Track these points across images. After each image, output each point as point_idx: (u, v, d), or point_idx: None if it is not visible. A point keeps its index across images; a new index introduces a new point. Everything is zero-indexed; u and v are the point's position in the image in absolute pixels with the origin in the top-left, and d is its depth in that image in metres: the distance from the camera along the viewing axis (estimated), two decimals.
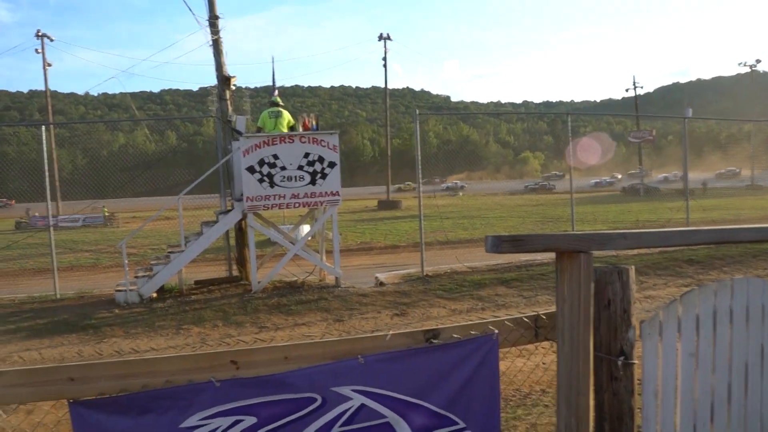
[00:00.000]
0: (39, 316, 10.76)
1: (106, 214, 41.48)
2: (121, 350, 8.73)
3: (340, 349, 2.70)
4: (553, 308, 2.79)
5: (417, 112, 12.98)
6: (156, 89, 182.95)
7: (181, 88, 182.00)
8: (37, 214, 40.71)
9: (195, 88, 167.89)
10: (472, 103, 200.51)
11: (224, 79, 12.87)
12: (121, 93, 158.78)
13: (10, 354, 8.78)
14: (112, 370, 2.64)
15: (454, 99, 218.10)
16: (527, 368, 5.90)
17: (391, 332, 2.69)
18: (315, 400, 2.60)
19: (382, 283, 12.07)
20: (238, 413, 2.57)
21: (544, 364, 6.18)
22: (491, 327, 2.76)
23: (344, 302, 10.69)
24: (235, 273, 12.82)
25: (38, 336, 9.68)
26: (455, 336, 2.73)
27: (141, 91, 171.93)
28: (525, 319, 2.89)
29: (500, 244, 2.43)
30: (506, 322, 2.85)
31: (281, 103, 12.92)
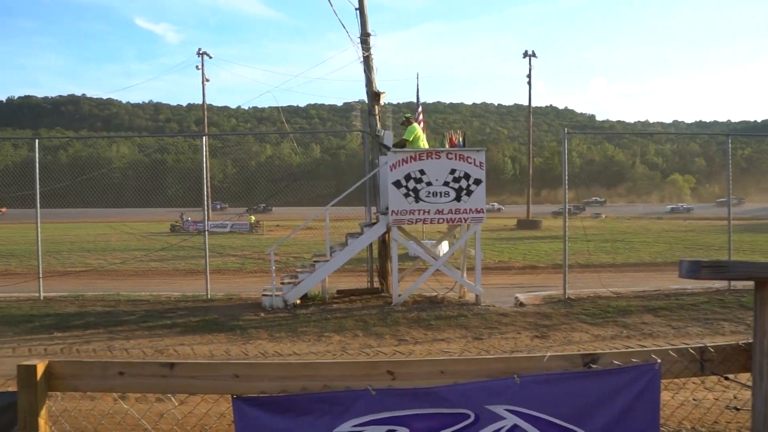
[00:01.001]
0: (192, 314, 11.41)
1: (252, 221, 43.38)
2: (266, 352, 9.05)
3: (495, 367, 2.66)
4: (711, 341, 2.61)
5: (566, 131, 12.67)
6: (302, 104, 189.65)
7: (326, 103, 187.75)
8: (189, 218, 43.22)
9: (339, 104, 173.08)
10: (618, 122, 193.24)
11: (374, 95, 13.13)
12: (269, 107, 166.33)
13: (167, 347, 9.34)
14: (274, 370, 2.73)
15: (599, 118, 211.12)
16: (675, 402, 5.55)
17: (548, 354, 2.61)
18: (468, 416, 2.57)
19: (522, 304, 11.85)
20: (392, 423, 2.58)
21: (694, 399, 5.82)
22: (654, 356, 2.62)
23: (484, 320, 10.57)
24: (376, 285, 12.99)
25: (191, 332, 10.25)
26: (615, 362, 2.61)
27: (288, 105, 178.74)
28: (691, 351, 2.72)
29: (699, 269, 2.30)
30: (670, 351, 2.70)
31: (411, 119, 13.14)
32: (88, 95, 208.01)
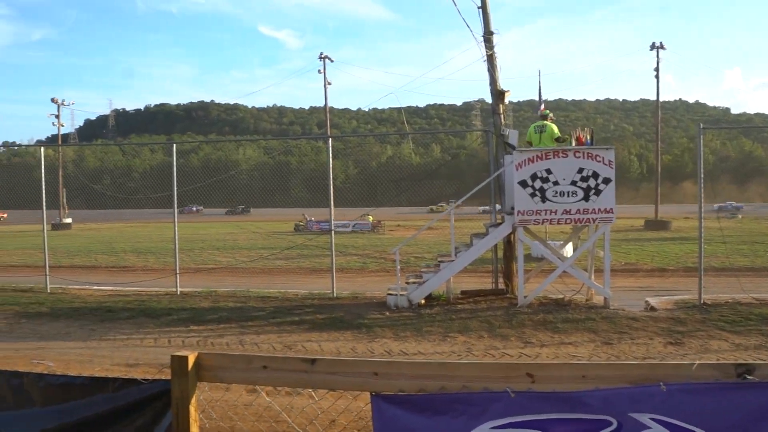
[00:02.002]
0: (318, 312, 11.70)
1: (370, 220, 43.73)
2: (391, 351, 9.14)
3: (638, 373, 2.55)
4: None
5: (701, 126, 12.02)
6: (422, 104, 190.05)
7: (446, 103, 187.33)
8: (312, 218, 44.24)
9: (459, 103, 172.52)
10: (757, 114, 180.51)
11: (498, 94, 12.98)
12: (389, 108, 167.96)
13: (295, 343, 9.63)
14: (413, 369, 2.74)
15: (734, 111, 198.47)
16: None
17: (697, 362, 2.48)
18: (610, 423, 2.48)
19: (653, 308, 11.36)
20: (530, 427, 2.53)
21: None
22: None
23: (613, 324, 10.20)
24: (501, 286, 12.83)
25: (318, 329, 10.52)
26: None
27: (407, 106, 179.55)
28: None
29: None
30: None
31: (549, 116, 12.79)
32: (217, 101, 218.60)
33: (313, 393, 3.05)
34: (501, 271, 12.98)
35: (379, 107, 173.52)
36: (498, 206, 12.70)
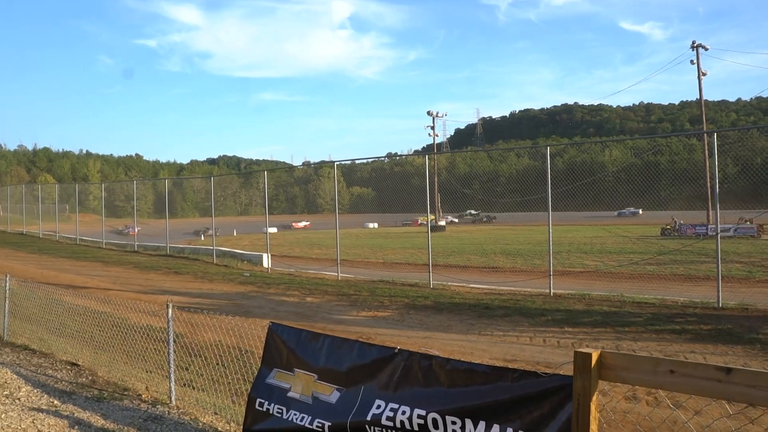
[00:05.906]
0: (702, 322, 10.94)
1: (748, 223, 39.28)
2: None
3: None
4: None
5: None
6: None
7: None
8: (682, 221, 41.36)
9: None
10: None
11: None
12: None
13: (676, 353, 9.11)
14: None
15: None
16: None
17: None
18: None
19: None
20: None
21: None
22: None
23: None
24: None
25: (701, 341, 9.83)
26: None
27: None
28: None
29: None
30: None
31: None
32: (580, 103, 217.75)
33: (726, 405, 2.81)
34: None
35: (765, 95, 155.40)
36: None
